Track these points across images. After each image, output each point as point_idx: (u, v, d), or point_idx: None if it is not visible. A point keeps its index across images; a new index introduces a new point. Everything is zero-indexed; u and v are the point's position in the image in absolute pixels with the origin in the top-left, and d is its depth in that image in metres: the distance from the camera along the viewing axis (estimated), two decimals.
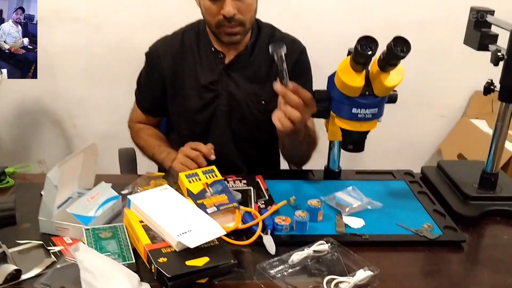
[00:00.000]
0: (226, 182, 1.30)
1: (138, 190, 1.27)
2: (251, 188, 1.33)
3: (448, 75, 2.39)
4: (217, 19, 1.41)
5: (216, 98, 1.53)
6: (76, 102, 2.35)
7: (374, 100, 1.14)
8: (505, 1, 1.75)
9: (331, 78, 1.18)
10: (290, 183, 1.39)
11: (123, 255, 1.02)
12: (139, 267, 1.01)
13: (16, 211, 1.06)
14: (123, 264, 0.99)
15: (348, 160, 1.55)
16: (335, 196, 1.28)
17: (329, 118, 1.26)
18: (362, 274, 0.98)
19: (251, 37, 1.53)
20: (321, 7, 2.24)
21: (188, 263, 0.97)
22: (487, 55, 1.22)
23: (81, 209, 1.13)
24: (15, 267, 0.97)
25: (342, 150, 1.29)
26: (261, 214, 1.18)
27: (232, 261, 1.00)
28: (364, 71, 1.12)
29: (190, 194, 1.21)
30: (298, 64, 1.56)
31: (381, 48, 1.08)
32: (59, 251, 1.06)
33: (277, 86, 1.19)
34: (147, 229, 1.07)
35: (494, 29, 1.25)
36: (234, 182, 1.36)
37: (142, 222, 1.09)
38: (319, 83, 1.35)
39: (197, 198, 1.20)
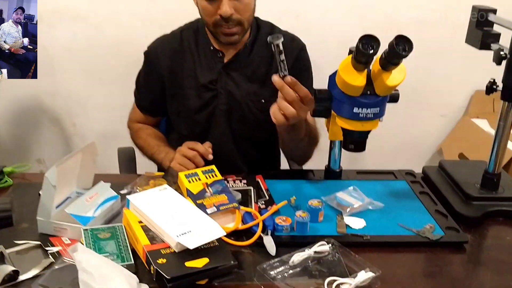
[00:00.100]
0: (226, 182, 1.30)
1: (137, 190, 1.26)
2: (251, 188, 1.32)
3: (449, 74, 2.38)
4: (214, 19, 1.39)
5: (215, 97, 1.52)
6: (75, 101, 2.35)
7: (376, 99, 1.13)
8: (506, 0, 1.74)
9: (332, 77, 1.17)
10: (291, 183, 1.38)
11: (121, 256, 1.01)
12: (138, 268, 1.00)
13: (14, 211, 1.05)
14: (122, 265, 0.98)
15: (349, 160, 1.54)
16: (336, 196, 1.27)
17: (330, 118, 1.25)
18: (364, 276, 0.97)
19: (250, 35, 1.52)
20: (322, 7, 2.23)
21: (188, 264, 0.96)
22: (488, 54, 1.21)
23: (80, 209, 1.13)
24: (13, 268, 0.96)
25: (343, 150, 1.28)
26: (261, 215, 1.17)
27: (232, 262, 0.99)
28: (366, 70, 1.12)
29: (189, 194, 1.20)
30: (298, 61, 1.55)
31: (383, 47, 1.07)
32: (57, 252, 1.05)
33: (275, 78, 1.17)
34: (146, 229, 1.06)
35: (496, 28, 1.24)
36: (234, 182, 1.35)
37: (141, 222, 1.08)
38: (320, 82, 1.34)
39: (196, 198, 1.19)
